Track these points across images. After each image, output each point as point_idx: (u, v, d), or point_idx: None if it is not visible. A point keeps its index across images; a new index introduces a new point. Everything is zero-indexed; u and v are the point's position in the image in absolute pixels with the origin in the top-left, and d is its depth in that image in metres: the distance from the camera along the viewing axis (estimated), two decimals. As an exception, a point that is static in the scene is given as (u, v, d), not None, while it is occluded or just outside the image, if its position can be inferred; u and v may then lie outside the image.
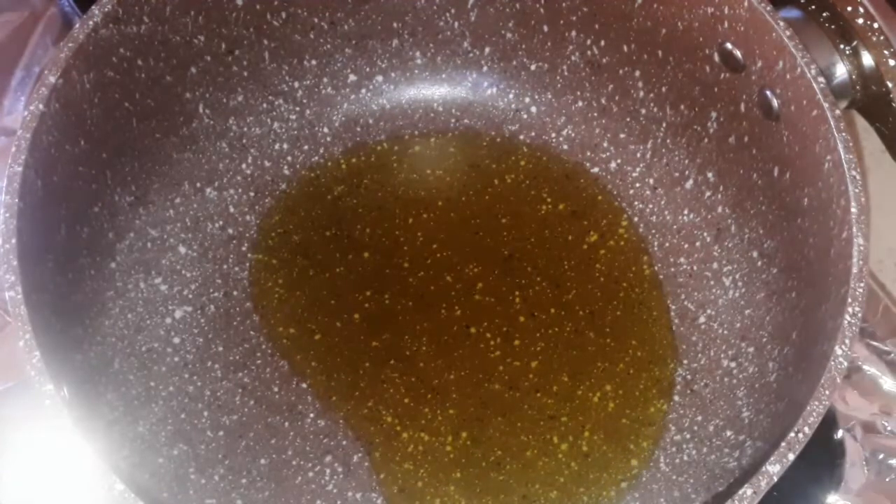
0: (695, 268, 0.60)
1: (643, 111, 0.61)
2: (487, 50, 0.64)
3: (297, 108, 0.63)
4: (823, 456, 0.56)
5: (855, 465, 0.55)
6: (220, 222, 0.60)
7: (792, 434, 0.41)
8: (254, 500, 0.53)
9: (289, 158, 0.62)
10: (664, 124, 0.61)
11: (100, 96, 0.51)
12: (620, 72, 0.61)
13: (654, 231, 0.61)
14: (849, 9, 0.51)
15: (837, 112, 0.47)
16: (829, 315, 0.46)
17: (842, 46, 0.52)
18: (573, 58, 0.62)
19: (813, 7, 0.53)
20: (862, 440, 0.56)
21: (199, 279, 0.58)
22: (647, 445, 0.55)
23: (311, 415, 0.55)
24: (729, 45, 0.53)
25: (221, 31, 0.57)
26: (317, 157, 0.63)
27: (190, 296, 0.58)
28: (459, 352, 0.57)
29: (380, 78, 0.64)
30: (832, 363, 0.42)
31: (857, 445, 0.56)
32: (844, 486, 0.55)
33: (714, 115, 0.57)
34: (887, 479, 0.56)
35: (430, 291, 0.59)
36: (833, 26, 0.52)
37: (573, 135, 0.64)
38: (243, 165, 0.61)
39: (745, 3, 0.50)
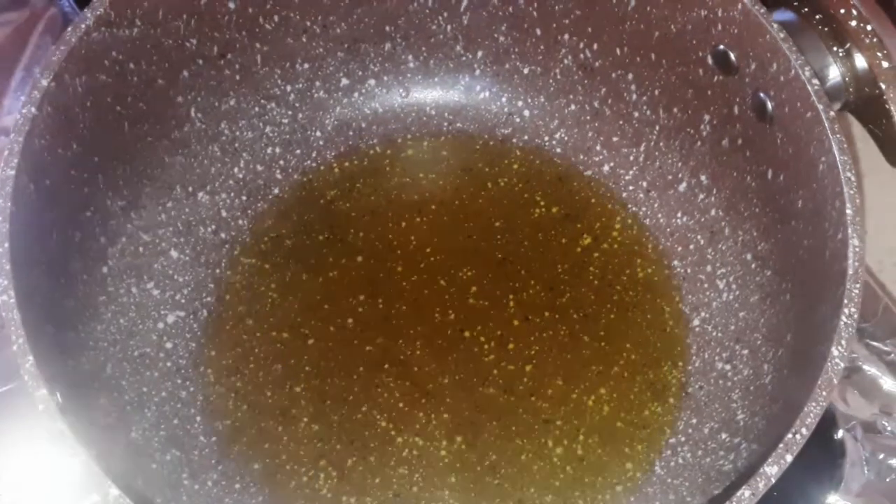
0: (689, 270, 0.60)
1: (636, 114, 0.61)
2: (480, 53, 0.63)
3: (290, 112, 0.62)
4: (823, 456, 0.56)
5: (855, 465, 0.55)
6: (213, 226, 0.60)
7: (789, 435, 0.41)
8: (248, 505, 0.52)
9: (281, 162, 0.62)
10: (657, 127, 0.61)
11: (92, 100, 0.50)
12: (613, 75, 0.61)
13: (647, 234, 0.61)
14: (842, 11, 0.51)
15: (832, 114, 0.47)
16: (824, 316, 0.46)
17: (835, 49, 0.52)
18: (566, 61, 0.62)
19: (806, 9, 0.53)
20: (862, 440, 0.56)
21: (192, 284, 0.58)
22: (643, 449, 0.55)
23: (305, 419, 0.55)
24: (722, 48, 0.53)
25: (213, 34, 0.56)
26: (309, 161, 0.63)
27: (182, 300, 0.57)
28: (453, 356, 0.57)
29: (372, 81, 0.64)
30: (829, 364, 0.42)
31: (858, 445, 0.56)
32: (844, 486, 0.55)
33: (707, 117, 0.57)
34: (887, 479, 0.56)
35: (423, 295, 0.58)
36: (826, 28, 0.52)
37: (566, 138, 0.64)
38: (235, 169, 0.61)
39: (739, 6, 0.51)
